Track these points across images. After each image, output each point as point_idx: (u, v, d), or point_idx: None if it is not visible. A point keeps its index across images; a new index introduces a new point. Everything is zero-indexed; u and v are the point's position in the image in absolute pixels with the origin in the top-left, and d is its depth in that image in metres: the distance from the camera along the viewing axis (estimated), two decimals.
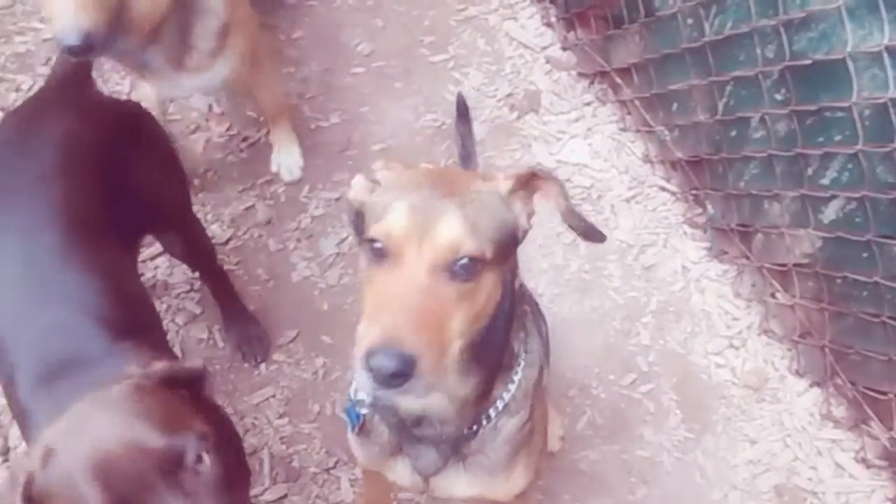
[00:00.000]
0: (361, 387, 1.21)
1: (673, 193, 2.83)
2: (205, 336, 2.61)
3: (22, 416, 1.50)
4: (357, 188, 1.36)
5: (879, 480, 2.34)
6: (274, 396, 2.51)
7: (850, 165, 2.13)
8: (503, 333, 1.43)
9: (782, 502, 2.33)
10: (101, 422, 1.18)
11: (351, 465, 2.37)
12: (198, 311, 2.64)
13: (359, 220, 1.33)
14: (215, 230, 2.78)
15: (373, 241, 1.22)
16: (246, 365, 2.56)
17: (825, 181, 2.23)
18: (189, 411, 1.26)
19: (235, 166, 2.93)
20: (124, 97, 2.91)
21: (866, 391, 2.31)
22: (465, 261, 1.19)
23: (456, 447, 1.51)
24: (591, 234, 1.40)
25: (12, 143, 1.82)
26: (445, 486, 1.59)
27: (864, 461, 2.35)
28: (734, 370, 2.53)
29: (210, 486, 1.19)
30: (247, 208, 2.83)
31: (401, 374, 1.11)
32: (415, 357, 1.11)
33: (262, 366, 2.56)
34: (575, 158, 2.92)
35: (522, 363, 1.52)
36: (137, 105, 2.23)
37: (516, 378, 1.51)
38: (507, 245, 1.29)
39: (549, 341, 2.09)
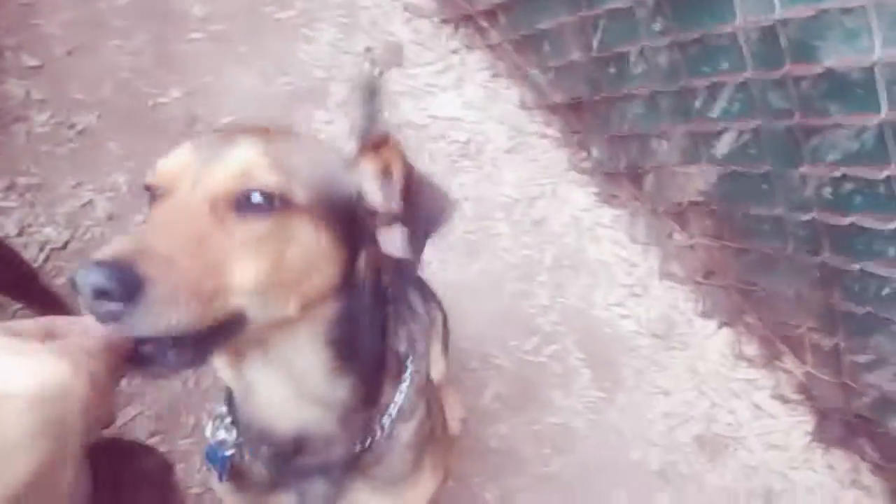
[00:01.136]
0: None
1: (555, 140, 2.65)
2: None
3: None
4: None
5: (797, 416, 2.28)
6: (141, 413, 2.21)
7: (739, 95, 2.00)
8: (374, 329, 1.18)
9: (704, 453, 2.23)
10: None
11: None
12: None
13: None
14: (49, 234, 2.42)
15: (149, 188, 0.98)
16: None
17: (714, 114, 2.09)
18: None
19: (66, 159, 2.55)
20: None
21: (777, 327, 2.23)
22: (257, 195, 0.93)
23: (347, 469, 1.28)
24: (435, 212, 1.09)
25: None
26: None
27: (780, 398, 2.28)
28: (639, 319, 2.40)
29: None
30: (83, 204, 2.47)
31: (109, 291, 0.78)
32: (140, 279, 0.80)
33: (123, 382, 2.24)
34: (447, 112, 2.70)
35: (410, 366, 1.30)
36: None
37: (406, 380, 1.29)
38: (339, 205, 1.03)
39: (449, 327, 1.90)
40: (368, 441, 1.25)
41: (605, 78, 2.36)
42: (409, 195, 1.04)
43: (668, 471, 2.21)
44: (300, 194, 0.96)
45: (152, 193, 0.97)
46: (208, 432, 1.24)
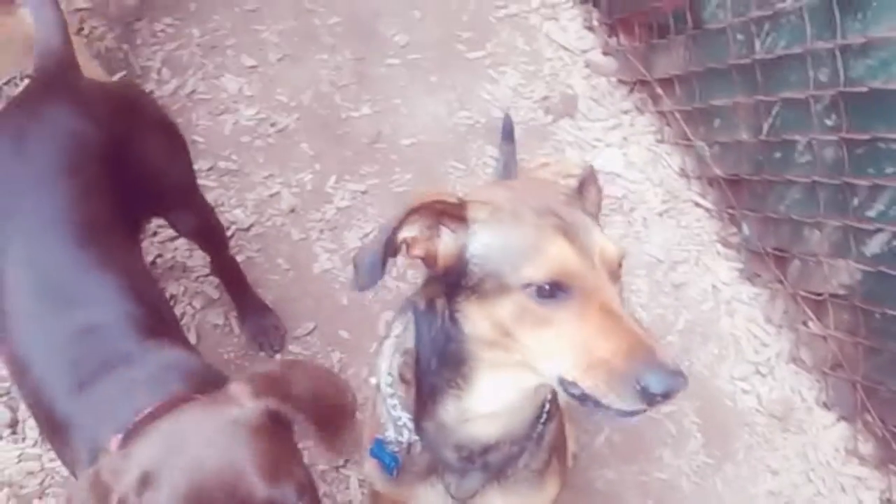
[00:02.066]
0: (622, 411, 1.15)
1: (708, 210, 2.76)
2: (221, 322, 2.55)
3: (62, 428, 1.43)
4: (422, 236, 1.23)
5: None
6: None
7: None
8: None
9: None
10: (204, 457, 1.09)
11: (362, 465, 2.32)
12: (215, 295, 2.58)
13: (450, 272, 1.23)
14: (238, 215, 2.73)
15: (539, 283, 1.14)
16: (262, 354, 2.51)
17: (871, 213, 2.16)
18: (291, 458, 1.16)
19: (262, 151, 2.87)
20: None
21: None
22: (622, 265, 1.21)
23: (504, 466, 1.47)
24: None
25: (7, 146, 1.72)
26: None
27: (889, 502, 2.29)
28: (760, 397, 2.47)
29: None
30: (272, 195, 2.77)
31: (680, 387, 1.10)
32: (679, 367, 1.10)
33: (278, 356, 2.51)
34: (609, 167, 2.85)
35: None
36: (131, 84, 2.16)
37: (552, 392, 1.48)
38: None
39: None
40: (533, 438, 1.46)
41: (769, 161, 2.46)
42: None
43: None
44: None
45: (542, 290, 1.14)
46: (391, 435, 1.46)
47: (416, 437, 1.45)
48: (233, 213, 2.72)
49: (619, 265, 1.19)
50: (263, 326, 2.52)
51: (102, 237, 1.67)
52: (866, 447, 2.36)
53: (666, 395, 1.09)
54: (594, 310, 1.13)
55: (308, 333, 2.56)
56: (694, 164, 2.79)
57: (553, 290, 1.14)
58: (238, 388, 1.18)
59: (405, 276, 2.61)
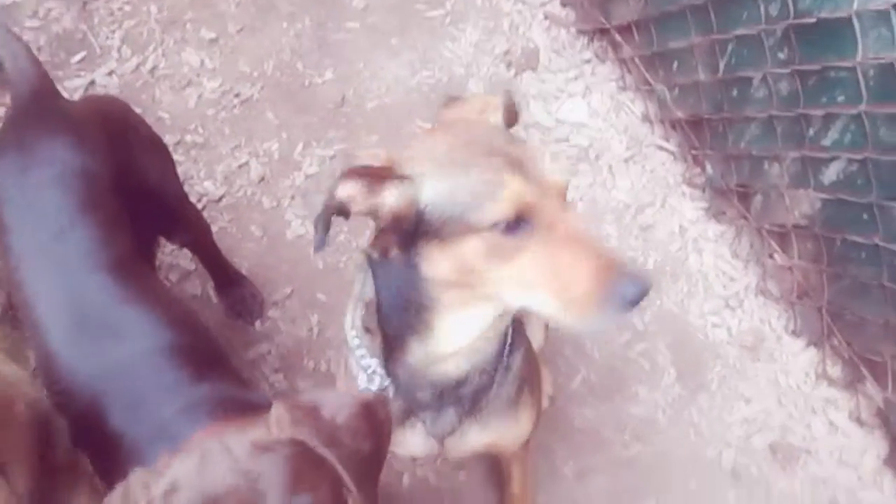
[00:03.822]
0: (603, 323, 1.23)
1: (672, 153, 2.81)
2: (198, 293, 2.59)
3: (113, 442, 1.47)
4: (359, 195, 1.28)
5: (872, 439, 2.36)
6: (269, 353, 2.50)
7: (852, 126, 2.11)
8: None
9: (776, 460, 2.35)
10: (220, 470, 1.12)
11: None
12: (191, 267, 2.61)
13: (404, 223, 1.27)
14: (208, 187, 2.75)
15: (498, 222, 1.20)
16: (241, 322, 2.55)
17: (827, 142, 2.21)
18: (313, 473, 1.15)
19: (228, 123, 2.88)
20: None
21: (862, 352, 2.33)
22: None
23: (476, 398, 1.53)
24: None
25: (15, 193, 1.69)
26: (459, 444, 1.60)
27: (857, 420, 2.37)
28: (730, 330, 2.54)
29: None
30: (240, 165, 2.79)
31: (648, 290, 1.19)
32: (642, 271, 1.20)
33: (257, 323, 2.55)
34: (573, 117, 2.89)
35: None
36: (114, 98, 2.15)
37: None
38: None
39: None
40: (500, 369, 1.53)
41: (728, 99, 2.50)
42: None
43: (740, 471, 2.34)
44: None
45: (505, 228, 1.20)
46: (363, 384, 1.50)
47: (388, 383, 1.50)
48: (203, 186, 2.75)
49: (566, 189, 1.25)
50: (241, 296, 2.55)
51: (132, 269, 1.70)
52: (834, 370, 2.43)
53: (640, 299, 1.17)
54: (558, 236, 1.20)
55: (286, 298, 2.60)
56: (656, 108, 2.83)
57: (517, 224, 1.19)
58: (278, 414, 1.20)
59: None
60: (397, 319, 1.40)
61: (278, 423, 1.18)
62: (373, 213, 1.27)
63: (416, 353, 1.41)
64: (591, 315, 1.20)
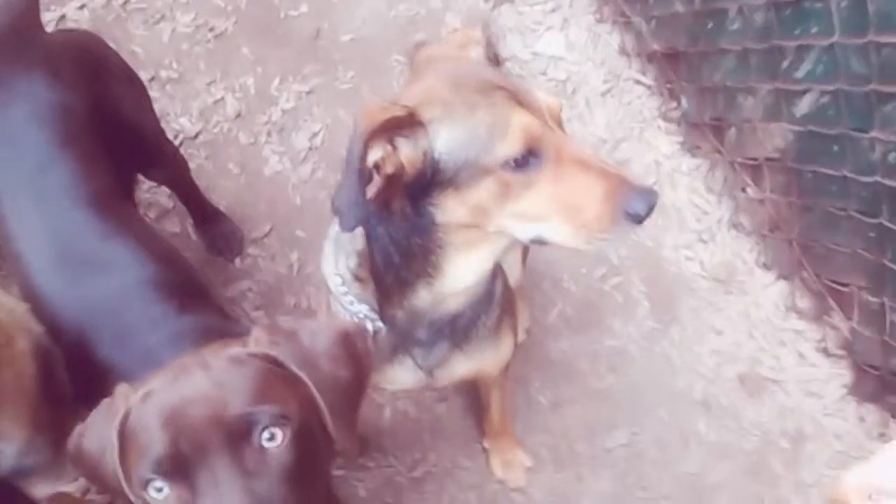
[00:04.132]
0: (616, 240, 1.27)
1: (648, 87, 2.80)
2: (178, 230, 2.60)
3: (101, 373, 1.49)
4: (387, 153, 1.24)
5: (838, 369, 2.43)
6: (250, 290, 2.53)
7: (825, 58, 2.12)
8: None
9: (745, 390, 2.41)
10: (194, 379, 1.16)
11: None
12: (169, 205, 2.61)
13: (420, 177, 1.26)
14: (184, 123, 2.74)
15: (510, 158, 1.22)
16: (221, 259, 2.57)
17: (800, 74, 2.21)
18: (285, 390, 1.18)
19: (202, 58, 2.85)
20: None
21: (830, 283, 2.37)
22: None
23: (467, 330, 1.57)
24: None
25: None
26: (447, 373, 1.65)
27: (824, 351, 2.43)
28: (703, 263, 2.57)
29: (275, 469, 1.12)
30: (216, 101, 2.77)
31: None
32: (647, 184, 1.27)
33: (237, 260, 2.57)
34: (551, 51, 2.87)
35: None
36: (89, 33, 2.12)
37: None
38: None
39: None
40: (487, 301, 1.57)
41: (703, 32, 2.49)
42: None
43: (710, 401, 2.40)
44: None
45: (515, 163, 1.22)
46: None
47: (381, 325, 1.52)
48: (179, 122, 2.73)
49: (561, 115, 1.30)
50: (220, 232, 2.57)
51: (113, 203, 1.71)
52: (803, 302, 2.48)
53: (649, 212, 1.23)
54: (565, 164, 1.23)
55: (265, 236, 2.62)
56: (633, 41, 2.81)
57: (526, 159, 1.21)
58: (257, 334, 1.23)
59: None
60: (401, 267, 1.40)
61: (256, 342, 1.22)
62: (398, 172, 1.24)
63: (424, 296, 1.43)
64: (604, 235, 1.24)
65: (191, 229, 2.59)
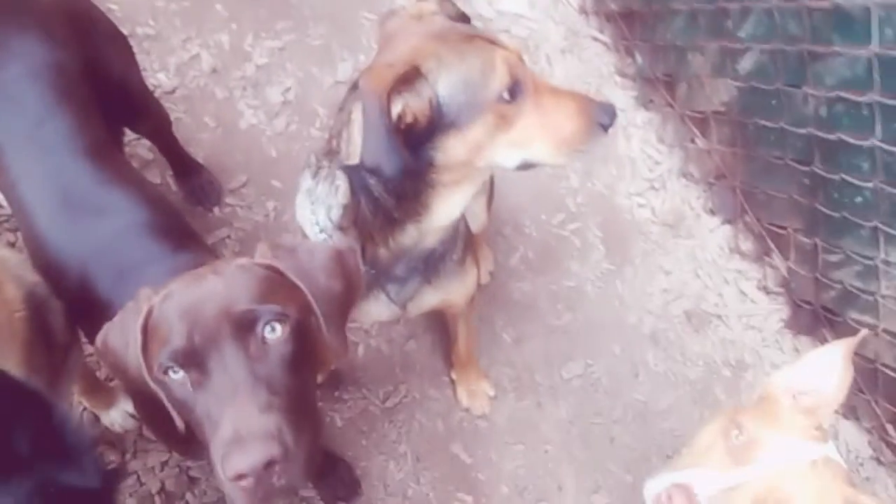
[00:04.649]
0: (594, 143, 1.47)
1: (605, 44, 2.97)
2: (158, 181, 2.71)
3: (105, 311, 1.56)
4: (411, 101, 1.37)
5: (776, 304, 2.65)
6: (229, 237, 2.65)
7: (765, 20, 2.29)
8: None
9: (690, 325, 2.63)
10: (207, 282, 1.33)
11: None
12: (150, 157, 2.72)
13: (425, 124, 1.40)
14: (161, 79, 2.83)
15: (504, 91, 1.39)
16: (200, 209, 2.69)
17: (743, 34, 2.39)
18: (285, 294, 1.35)
19: (178, 15, 2.94)
20: None
21: (769, 227, 2.59)
22: None
23: (437, 265, 1.74)
24: None
25: None
26: (417, 305, 1.81)
27: (764, 289, 2.65)
28: (654, 209, 2.77)
29: (275, 357, 1.29)
30: (191, 57, 2.87)
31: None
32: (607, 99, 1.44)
33: (216, 209, 2.69)
34: (513, 9, 3.01)
35: None
36: None
37: None
38: None
39: (493, 189, 2.28)
40: (455, 237, 1.74)
41: None
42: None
43: (658, 335, 2.62)
44: None
45: (506, 97, 1.40)
46: None
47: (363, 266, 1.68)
48: (156, 77, 2.82)
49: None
50: (199, 183, 2.68)
51: (108, 154, 1.82)
52: (745, 244, 2.69)
53: (614, 121, 1.46)
54: (543, 91, 1.44)
55: (242, 186, 2.74)
56: (591, 1, 2.97)
57: (513, 91, 1.40)
58: (262, 249, 1.41)
59: (328, 126, 2.78)
60: (393, 208, 1.54)
61: (261, 255, 1.40)
62: (416, 120, 1.38)
63: (411, 233, 1.59)
64: (581, 145, 1.46)
65: (171, 180, 2.70)
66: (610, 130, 1.46)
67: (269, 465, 1.21)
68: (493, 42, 1.42)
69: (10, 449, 1.25)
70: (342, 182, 1.59)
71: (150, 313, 1.32)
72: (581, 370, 2.56)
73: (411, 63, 1.37)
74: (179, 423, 1.34)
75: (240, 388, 1.25)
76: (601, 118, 1.44)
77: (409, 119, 1.36)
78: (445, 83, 1.37)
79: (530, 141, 1.45)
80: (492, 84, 1.38)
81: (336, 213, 1.63)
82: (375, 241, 1.62)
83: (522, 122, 1.43)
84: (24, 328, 1.69)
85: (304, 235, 1.77)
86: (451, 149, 1.42)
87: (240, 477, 1.20)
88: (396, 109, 1.34)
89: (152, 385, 1.32)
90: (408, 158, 1.37)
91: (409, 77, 1.35)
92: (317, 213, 1.69)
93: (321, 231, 1.69)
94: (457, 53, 1.39)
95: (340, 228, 1.64)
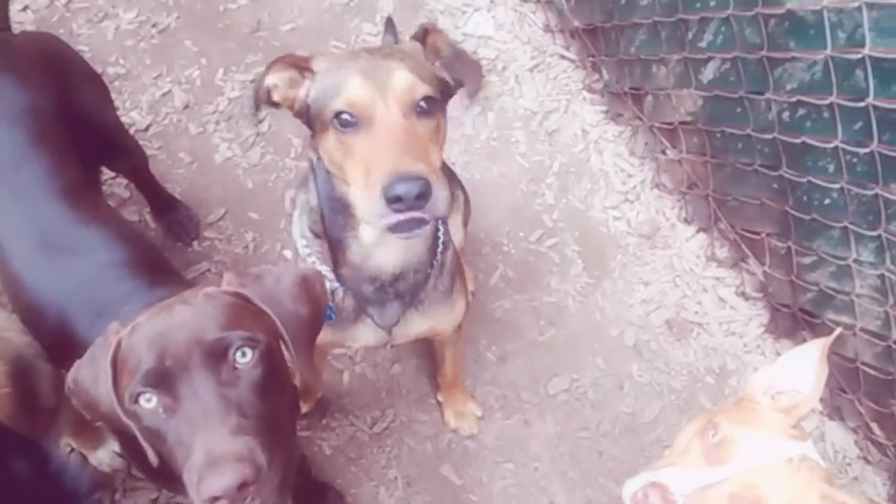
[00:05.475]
0: (381, 217, 1.34)
1: (572, 61, 3.01)
2: (136, 219, 2.72)
3: (83, 348, 1.57)
4: (282, 84, 1.50)
5: (755, 310, 2.68)
6: (209, 270, 2.67)
7: (723, 29, 2.33)
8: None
9: (672, 334, 2.65)
10: (176, 312, 1.35)
11: None
12: (126, 195, 2.73)
13: (305, 111, 1.49)
14: (134, 117, 2.86)
15: (339, 114, 1.39)
16: (179, 244, 2.70)
17: (703, 44, 2.43)
18: (253, 321, 1.38)
19: (148, 53, 2.97)
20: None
21: (743, 232, 2.61)
22: (422, 101, 1.41)
23: (415, 293, 1.74)
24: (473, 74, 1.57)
25: None
26: (404, 331, 1.83)
27: (742, 294, 2.68)
28: (629, 221, 2.80)
29: (246, 381, 1.32)
30: (164, 94, 2.90)
31: (423, 194, 1.30)
32: (427, 177, 1.31)
33: (195, 243, 2.70)
34: (480, 31, 3.06)
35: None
36: (49, 34, 2.24)
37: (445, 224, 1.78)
38: (443, 91, 1.49)
39: (469, 206, 2.31)
40: (435, 266, 1.74)
41: (617, 8, 2.70)
42: (459, 62, 1.53)
43: (641, 346, 2.63)
44: (436, 92, 1.44)
45: (343, 121, 1.39)
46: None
47: (338, 285, 1.70)
48: (129, 116, 2.85)
49: (415, 98, 1.40)
50: (177, 218, 2.70)
51: (84, 194, 1.85)
52: (721, 251, 2.72)
53: (405, 198, 1.30)
54: (378, 137, 1.38)
55: (220, 219, 2.76)
56: (556, 19, 3.01)
57: (353, 121, 1.39)
58: (228, 277, 1.44)
59: (303, 155, 2.80)
60: (333, 220, 1.60)
61: (227, 283, 1.43)
62: (290, 104, 1.50)
63: (354, 249, 1.62)
64: (366, 217, 1.40)
65: (148, 217, 2.72)
66: (403, 216, 1.32)
67: (243, 486, 1.22)
68: (368, 70, 1.39)
69: (10, 496, 1.27)
70: (312, 185, 1.64)
71: (118, 346, 1.34)
72: (566, 385, 2.57)
73: (308, 57, 1.48)
74: (152, 457, 1.35)
75: (211, 412, 1.26)
76: (396, 189, 1.29)
77: (276, 97, 1.49)
78: (318, 86, 1.45)
79: (350, 180, 1.42)
80: (332, 103, 1.40)
81: (309, 219, 1.69)
82: (337, 256, 1.66)
83: (355, 155, 1.39)
84: (9, 403, 1.70)
85: (298, 251, 1.80)
86: (322, 152, 1.48)
87: (214, 500, 1.22)
88: (268, 81, 1.48)
89: (124, 418, 1.33)
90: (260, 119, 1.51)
91: (296, 64, 1.48)
92: (302, 224, 1.74)
93: (306, 245, 1.73)
94: (336, 67, 1.44)
95: (315, 235, 1.69)
